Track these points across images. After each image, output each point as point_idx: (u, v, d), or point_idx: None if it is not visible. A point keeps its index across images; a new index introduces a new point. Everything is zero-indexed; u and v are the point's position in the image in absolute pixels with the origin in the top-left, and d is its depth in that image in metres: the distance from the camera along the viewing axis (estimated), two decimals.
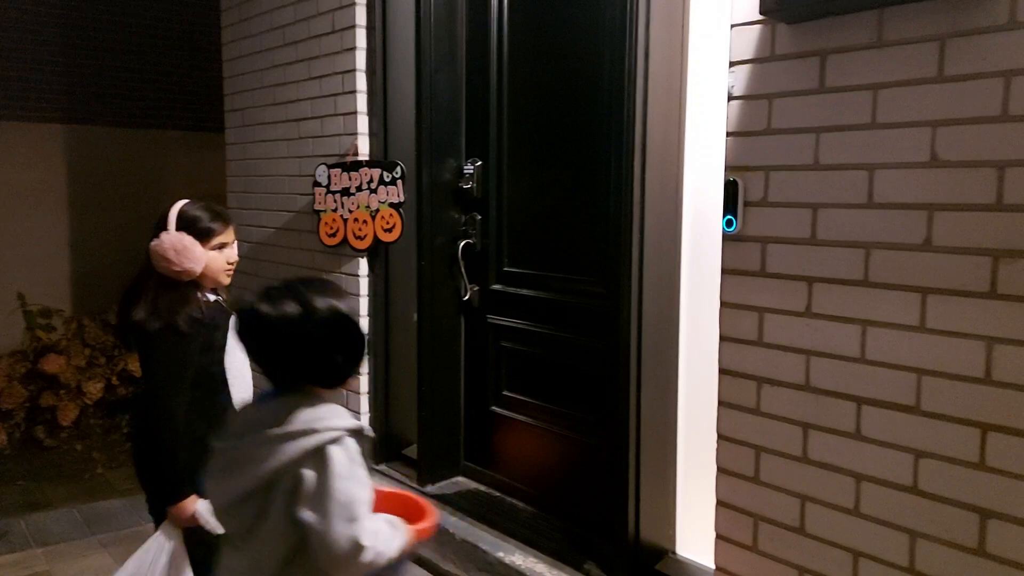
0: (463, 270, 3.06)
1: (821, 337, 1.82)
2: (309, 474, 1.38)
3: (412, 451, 3.34)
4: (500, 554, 2.65)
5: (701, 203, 2.40)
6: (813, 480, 1.85)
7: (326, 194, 3.39)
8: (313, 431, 1.39)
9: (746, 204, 1.93)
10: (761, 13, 1.82)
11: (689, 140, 2.39)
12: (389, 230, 3.15)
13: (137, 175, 5.40)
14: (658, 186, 2.33)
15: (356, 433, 1.43)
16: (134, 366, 4.90)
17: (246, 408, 1.57)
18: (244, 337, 1.47)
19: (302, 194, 3.58)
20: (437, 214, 3.05)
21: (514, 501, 2.98)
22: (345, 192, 3.30)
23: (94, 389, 4.54)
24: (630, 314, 2.32)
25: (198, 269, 2.10)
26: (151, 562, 2.03)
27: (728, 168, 1.97)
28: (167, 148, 5.59)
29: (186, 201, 2.17)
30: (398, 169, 3.09)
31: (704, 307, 2.38)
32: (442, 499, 3.02)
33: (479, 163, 3.01)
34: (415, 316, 3.14)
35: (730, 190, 1.95)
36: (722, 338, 2.02)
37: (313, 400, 1.46)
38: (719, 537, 2.06)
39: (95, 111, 5.39)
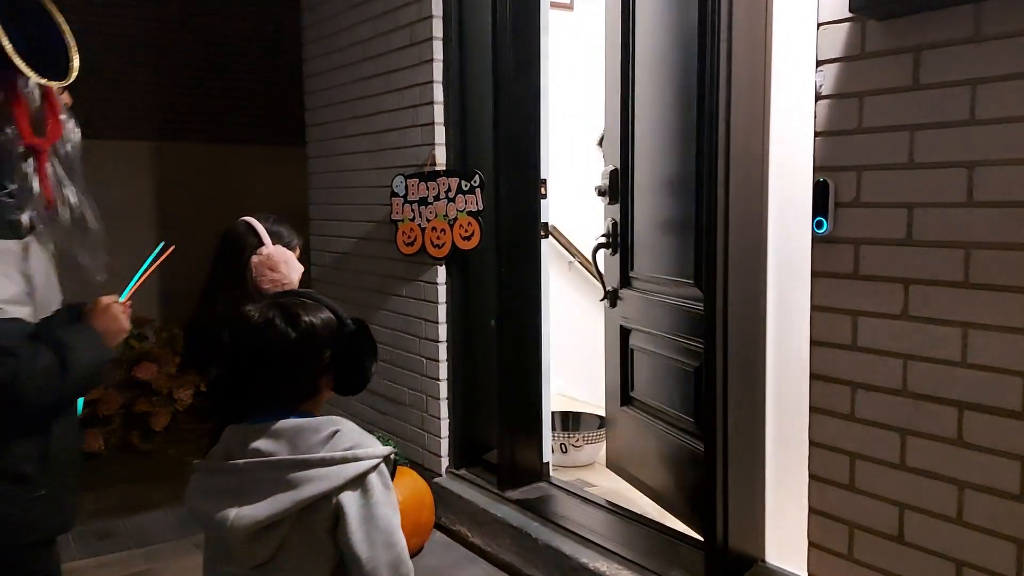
0: None
1: (919, 340, 1.77)
2: (350, 502, 1.34)
3: (493, 456, 3.36)
4: (584, 560, 2.65)
5: (787, 205, 2.36)
6: (912, 487, 1.80)
7: (403, 204, 3.46)
8: (356, 458, 1.35)
9: (837, 205, 1.90)
10: (851, 11, 1.78)
11: (774, 142, 2.35)
12: (468, 238, 3.20)
13: (222, 190, 5.60)
14: (742, 188, 2.30)
15: (387, 459, 1.41)
16: None
17: (240, 428, 1.43)
18: (245, 353, 1.41)
19: (381, 204, 3.66)
20: (516, 221, 3.08)
21: (597, 507, 2.98)
22: (422, 202, 3.36)
23: (185, 395, 4.72)
24: (715, 317, 2.30)
25: (297, 281, 2.15)
26: None
27: (817, 169, 1.94)
28: (250, 163, 5.78)
29: (255, 216, 2.18)
30: (476, 178, 3.13)
31: (792, 310, 2.34)
32: (523, 504, 3.04)
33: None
34: (493, 322, 3.18)
35: (820, 191, 1.92)
36: (813, 342, 1.99)
37: (330, 420, 1.42)
38: (812, 545, 2.02)
39: (184, 128, 5.62)
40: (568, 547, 2.73)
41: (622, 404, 3.16)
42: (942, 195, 1.72)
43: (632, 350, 3.08)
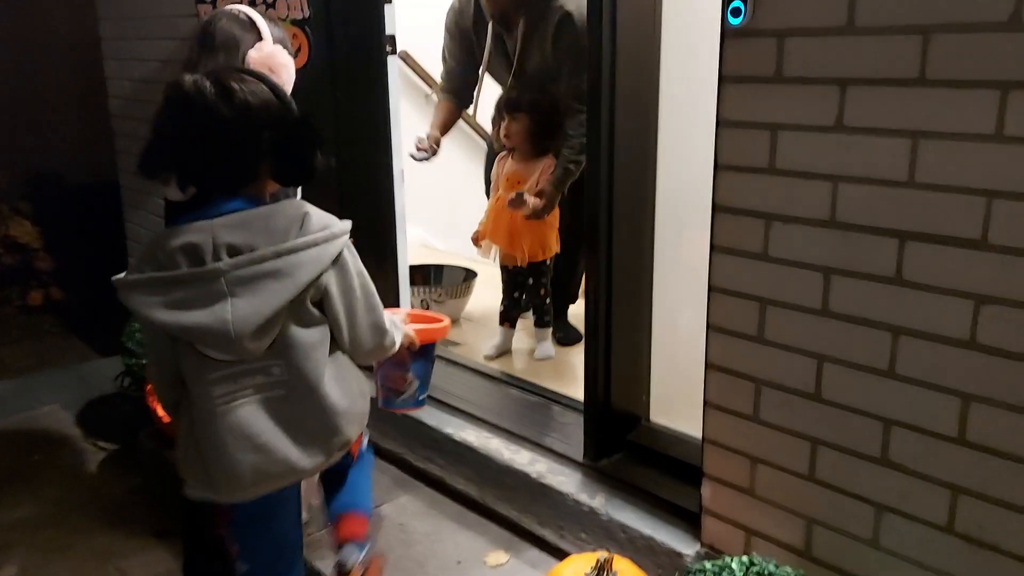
0: None
1: (857, 156, 1.41)
2: (332, 280, 1.39)
3: None
4: (449, 430, 2.31)
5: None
6: (835, 336, 1.50)
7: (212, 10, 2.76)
8: (333, 236, 1.37)
9: None
10: None
11: None
12: (294, 54, 2.58)
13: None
14: None
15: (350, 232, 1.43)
16: (17, 231, 4.30)
17: (200, 225, 1.32)
18: (173, 123, 1.33)
19: (185, 16, 2.93)
20: (354, 32, 2.49)
21: (463, 369, 2.63)
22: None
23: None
24: (600, 137, 1.88)
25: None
26: None
27: None
28: None
29: (247, 7, 1.83)
30: None
31: (686, 126, 1.95)
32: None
33: None
34: (333, 160, 2.66)
35: None
36: (719, 166, 1.60)
37: (293, 203, 1.40)
38: (709, 405, 1.73)
39: None
40: (431, 417, 2.38)
41: None
42: None
43: None
